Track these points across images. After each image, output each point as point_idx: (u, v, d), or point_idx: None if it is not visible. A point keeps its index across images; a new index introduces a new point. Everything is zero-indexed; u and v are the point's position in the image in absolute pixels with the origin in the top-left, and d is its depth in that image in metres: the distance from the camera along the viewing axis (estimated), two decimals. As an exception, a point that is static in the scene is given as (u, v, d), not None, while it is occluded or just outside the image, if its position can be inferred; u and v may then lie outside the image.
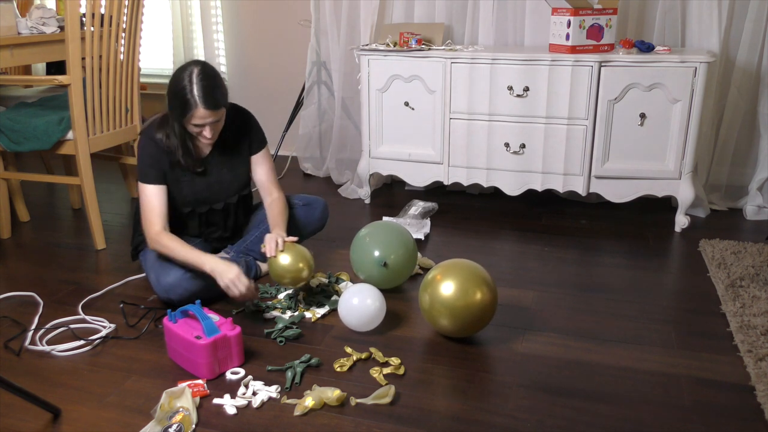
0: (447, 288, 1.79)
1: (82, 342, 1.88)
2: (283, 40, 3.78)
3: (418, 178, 2.99)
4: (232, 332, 1.72)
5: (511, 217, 2.92)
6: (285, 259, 1.98)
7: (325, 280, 2.26)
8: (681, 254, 2.49)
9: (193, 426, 1.52)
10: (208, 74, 1.94)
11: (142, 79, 3.79)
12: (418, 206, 2.89)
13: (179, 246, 2.00)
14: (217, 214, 2.22)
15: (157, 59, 4.18)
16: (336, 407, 1.59)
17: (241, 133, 2.18)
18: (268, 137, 3.95)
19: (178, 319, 1.77)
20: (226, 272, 1.92)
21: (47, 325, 1.99)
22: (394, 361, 1.75)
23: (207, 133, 1.98)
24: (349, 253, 2.22)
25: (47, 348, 1.86)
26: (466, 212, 2.99)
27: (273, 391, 1.64)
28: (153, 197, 2.06)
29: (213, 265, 1.94)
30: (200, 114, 1.92)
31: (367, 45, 3.00)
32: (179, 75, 1.93)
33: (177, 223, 2.16)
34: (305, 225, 2.36)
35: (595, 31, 2.61)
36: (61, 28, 2.74)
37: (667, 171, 2.64)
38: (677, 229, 2.72)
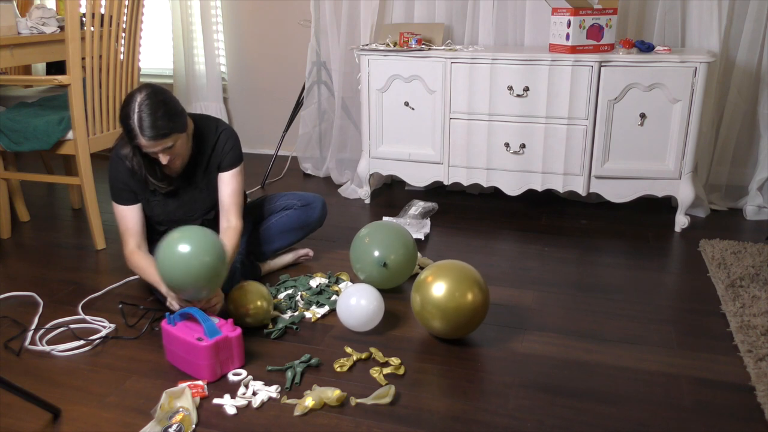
0: (438, 289, 1.78)
1: (82, 342, 1.88)
2: (283, 40, 3.78)
3: (418, 178, 2.99)
4: (233, 333, 1.72)
5: (511, 217, 2.92)
6: (244, 297, 1.90)
7: (325, 280, 2.26)
8: (681, 254, 2.49)
9: (193, 426, 1.52)
10: (152, 102, 1.83)
11: (142, 79, 3.79)
12: (418, 206, 2.89)
13: (148, 267, 1.96)
14: None
15: (157, 59, 4.18)
16: (336, 407, 1.59)
17: (215, 151, 2.08)
18: (268, 137, 3.99)
19: (177, 322, 1.76)
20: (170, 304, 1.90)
21: (47, 325, 1.99)
22: (394, 361, 1.75)
23: (162, 159, 1.89)
24: (349, 253, 2.22)
25: (47, 348, 1.86)
26: (466, 212, 2.99)
27: (273, 391, 1.64)
28: (126, 218, 2.04)
29: (169, 298, 1.90)
30: (144, 144, 1.84)
31: (367, 45, 3.00)
32: (126, 101, 1.86)
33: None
34: (305, 225, 2.36)
35: (595, 31, 2.61)
36: (61, 28, 2.74)
37: (667, 171, 2.64)
38: (677, 229, 2.72)
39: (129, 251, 2.03)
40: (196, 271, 1.73)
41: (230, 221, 2.07)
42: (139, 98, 1.83)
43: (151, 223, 2.12)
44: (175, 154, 1.93)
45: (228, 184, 2.09)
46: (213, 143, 2.09)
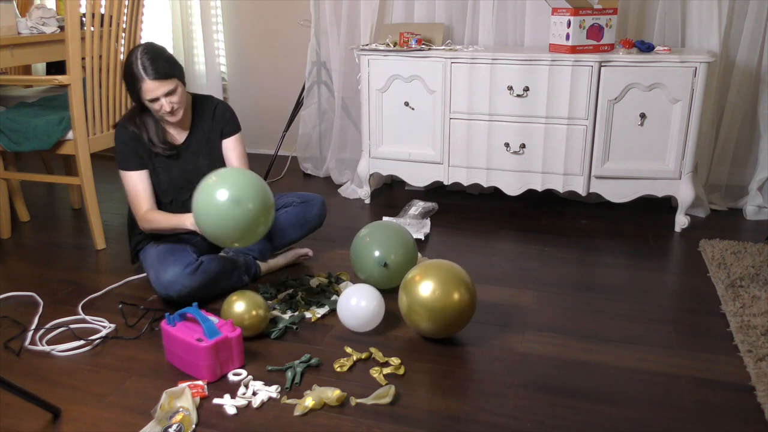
0: (425, 289, 1.78)
1: (82, 342, 1.88)
2: (283, 40, 3.78)
3: (418, 178, 2.99)
4: (233, 334, 1.72)
5: (511, 217, 2.92)
6: (239, 307, 1.86)
7: (325, 280, 2.26)
8: (681, 254, 2.49)
9: (193, 426, 1.52)
10: (152, 49, 2.02)
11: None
12: (418, 206, 2.89)
13: (163, 217, 2.09)
14: None
15: (157, 59, 4.18)
16: (336, 407, 1.59)
17: (215, 120, 2.23)
18: (268, 137, 3.99)
19: (177, 322, 1.76)
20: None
21: (47, 325, 1.99)
22: (394, 361, 1.75)
23: (165, 106, 2.02)
24: (349, 253, 2.22)
25: (47, 348, 1.86)
26: (466, 212, 2.99)
27: (273, 391, 1.64)
28: (136, 183, 2.12)
29: (192, 219, 1.99)
30: (148, 87, 1.98)
31: (367, 45, 3.00)
32: (127, 57, 2.03)
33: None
34: (304, 223, 2.36)
35: (595, 31, 2.61)
36: (61, 28, 2.74)
37: (667, 171, 2.64)
38: (677, 229, 2.72)
39: (144, 212, 2.11)
40: (237, 220, 1.78)
41: None
42: (140, 49, 2.01)
43: (156, 194, 2.17)
44: (176, 102, 2.04)
45: (234, 148, 2.26)
46: (212, 112, 2.23)
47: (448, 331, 1.82)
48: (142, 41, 2.79)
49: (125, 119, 2.14)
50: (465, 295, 1.79)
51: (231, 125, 2.26)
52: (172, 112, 2.05)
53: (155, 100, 2.01)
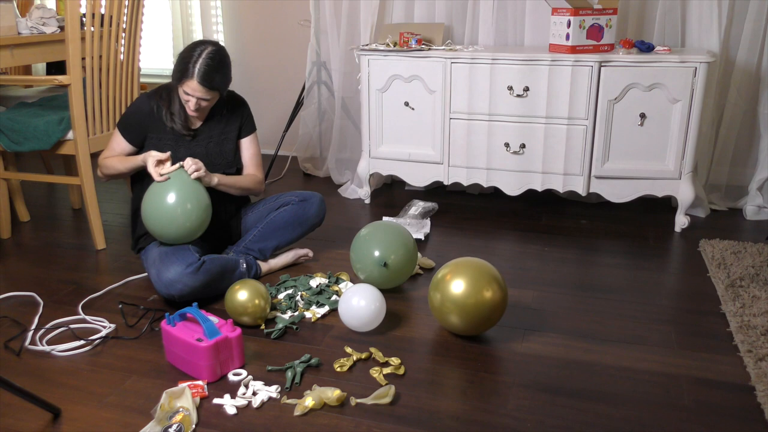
0: (457, 286, 1.79)
1: (82, 342, 1.88)
2: (283, 40, 3.78)
3: (418, 178, 2.99)
4: (233, 334, 1.72)
5: (511, 217, 2.92)
6: (242, 295, 1.92)
7: (325, 280, 2.26)
8: (681, 254, 2.49)
9: (193, 426, 1.52)
10: (217, 58, 2.07)
11: (142, 79, 3.79)
12: (418, 206, 2.89)
13: (119, 160, 2.17)
14: None
15: (157, 59, 4.18)
16: (336, 407, 1.59)
17: (235, 115, 2.29)
18: (268, 137, 4.00)
19: (177, 322, 1.76)
20: (148, 156, 2.06)
21: (47, 325, 1.99)
22: (394, 361, 1.75)
23: (191, 104, 2.09)
24: (349, 253, 2.22)
25: (47, 348, 1.86)
26: (466, 212, 2.99)
27: (273, 391, 1.64)
28: (119, 144, 2.21)
29: (145, 155, 2.08)
30: (192, 86, 2.05)
31: (367, 45, 3.00)
32: (193, 46, 2.08)
33: None
34: (303, 221, 2.35)
35: (595, 31, 2.61)
36: (61, 28, 2.74)
37: (667, 171, 2.65)
38: (677, 229, 2.72)
39: (104, 157, 2.21)
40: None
41: (250, 171, 2.34)
42: (209, 48, 2.06)
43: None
44: (204, 108, 2.14)
45: (249, 148, 2.34)
46: (232, 105, 2.29)
47: (480, 329, 1.84)
48: (142, 40, 2.80)
49: (154, 90, 2.21)
50: (497, 292, 1.81)
51: (249, 125, 2.33)
52: (196, 111, 2.13)
53: (189, 95, 2.07)
